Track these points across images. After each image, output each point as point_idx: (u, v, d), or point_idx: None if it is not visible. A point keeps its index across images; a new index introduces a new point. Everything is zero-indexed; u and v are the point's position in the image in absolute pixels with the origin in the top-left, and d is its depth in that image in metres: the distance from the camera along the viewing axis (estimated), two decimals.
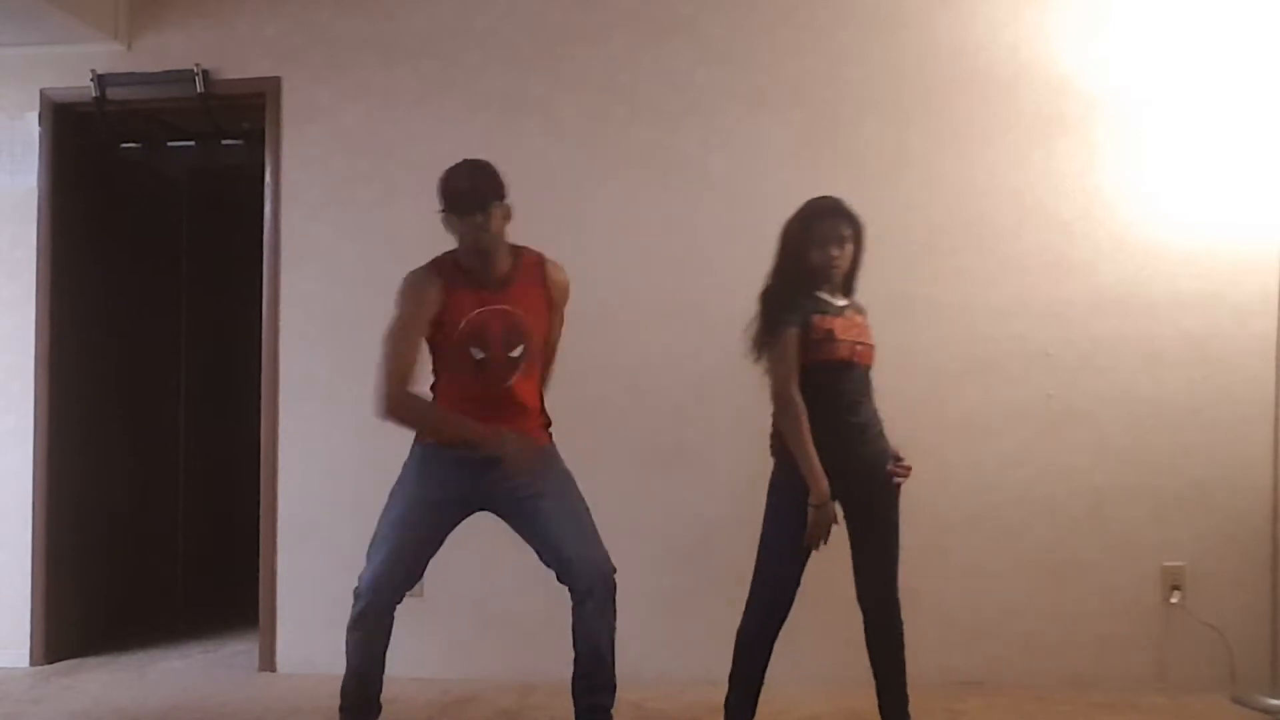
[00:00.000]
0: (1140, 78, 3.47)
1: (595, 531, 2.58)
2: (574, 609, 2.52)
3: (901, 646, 2.64)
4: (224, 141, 4.20)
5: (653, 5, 3.62)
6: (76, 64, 3.77)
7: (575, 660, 2.56)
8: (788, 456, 2.55)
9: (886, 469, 2.62)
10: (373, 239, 3.66)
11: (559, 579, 2.54)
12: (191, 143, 4.32)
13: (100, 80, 3.75)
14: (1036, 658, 3.43)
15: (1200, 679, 3.37)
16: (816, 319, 2.56)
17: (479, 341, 2.51)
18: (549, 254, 3.62)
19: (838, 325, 2.57)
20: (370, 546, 2.58)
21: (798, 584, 2.59)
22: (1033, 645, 3.43)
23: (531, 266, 2.61)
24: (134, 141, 4.30)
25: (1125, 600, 3.43)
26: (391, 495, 2.61)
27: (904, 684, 2.65)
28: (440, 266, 2.56)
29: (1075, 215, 3.47)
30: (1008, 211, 3.49)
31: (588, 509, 2.61)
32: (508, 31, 3.67)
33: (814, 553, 2.55)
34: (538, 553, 2.57)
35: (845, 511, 2.59)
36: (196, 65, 3.72)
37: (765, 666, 2.64)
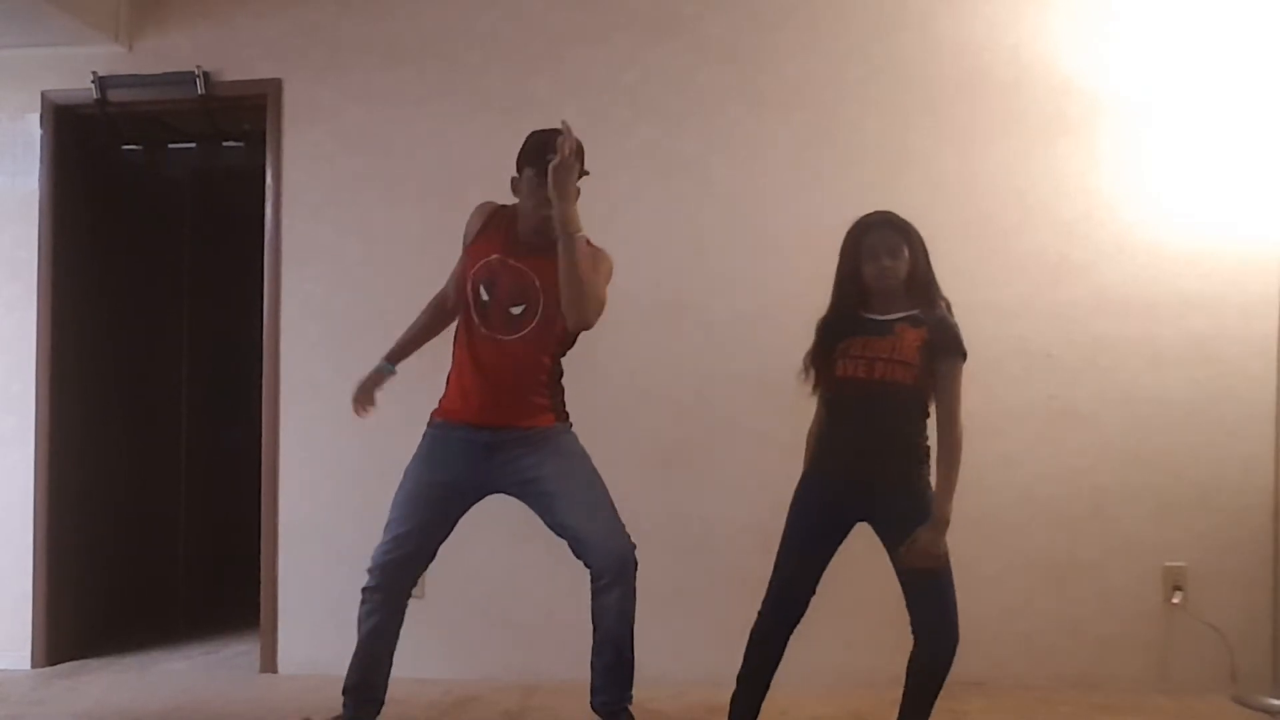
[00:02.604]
0: (1142, 79, 3.47)
1: (610, 511, 2.57)
2: (592, 592, 2.53)
3: (942, 676, 2.54)
4: (225, 143, 4.20)
5: (654, 6, 3.62)
6: (78, 66, 3.77)
7: (594, 646, 2.55)
8: (808, 458, 2.63)
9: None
10: (374, 240, 3.66)
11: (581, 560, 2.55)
12: (193, 144, 4.32)
13: (101, 82, 3.75)
14: (1038, 658, 3.43)
15: (1202, 679, 3.37)
16: (841, 343, 2.56)
17: (490, 287, 2.57)
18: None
19: (857, 343, 2.54)
20: (386, 523, 2.63)
21: (806, 586, 2.58)
22: (1034, 646, 3.44)
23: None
24: (135, 143, 4.30)
25: (1127, 601, 3.43)
26: (404, 474, 2.66)
27: (930, 707, 2.58)
28: (496, 209, 2.65)
29: (1077, 216, 3.48)
30: (1009, 212, 3.49)
31: (603, 488, 2.60)
32: (509, 32, 3.67)
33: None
34: (559, 535, 2.58)
35: (879, 536, 2.55)
36: (198, 67, 3.72)
37: (773, 667, 2.63)
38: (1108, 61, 3.48)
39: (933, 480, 2.49)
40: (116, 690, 3.51)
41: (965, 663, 3.39)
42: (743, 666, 2.65)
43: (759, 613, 2.63)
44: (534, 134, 2.54)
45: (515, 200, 2.61)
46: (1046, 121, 3.48)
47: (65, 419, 3.84)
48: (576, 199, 2.42)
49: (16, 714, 3.25)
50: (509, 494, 2.62)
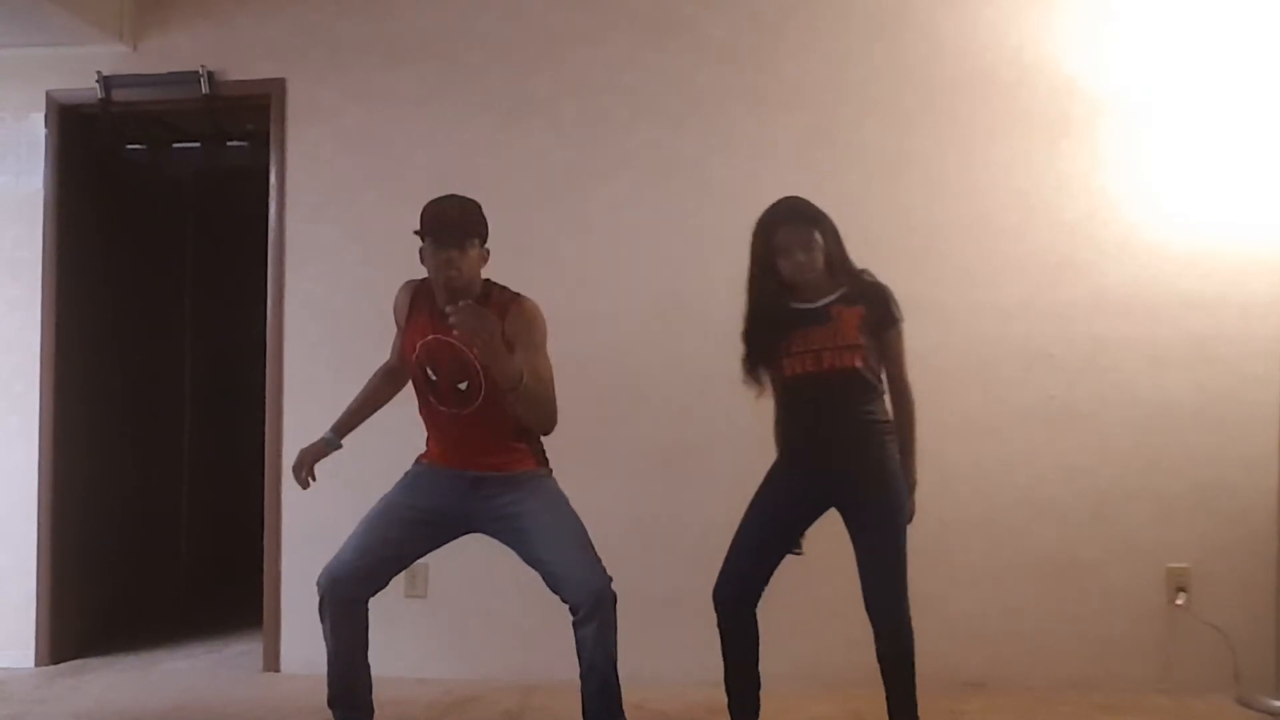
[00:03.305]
0: (1145, 79, 3.46)
1: (586, 547, 2.54)
2: (574, 627, 2.51)
3: (908, 656, 2.58)
4: (228, 143, 4.21)
5: (654, 6, 3.62)
6: (82, 66, 3.79)
7: (581, 674, 2.53)
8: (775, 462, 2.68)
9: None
10: (376, 240, 3.67)
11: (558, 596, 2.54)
12: (196, 144, 4.33)
13: (105, 82, 3.77)
14: (1040, 659, 3.42)
15: (1205, 681, 3.36)
16: (781, 341, 2.55)
17: (433, 366, 2.55)
18: (548, 256, 3.64)
19: (797, 338, 2.53)
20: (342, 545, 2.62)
21: (763, 573, 2.60)
22: (1036, 646, 3.43)
23: (498, 305, 2.49)
24: (139, 143, 4.31)
25: (1129, 601, 3.42)
26: (377, 503, 2.66)
27: (912, 692, 2.60)
28: (418, 284, 2.63)
29: (1079, 216, 3.47)
30: (1011, 212, 3.49)
31: (579, 525, 2.58)
32: (510, 32, 3.67)
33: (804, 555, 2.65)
34: (534, 569, 2.57)
35: (844, 522, 2.58)
36: (201, 67, 3.73)
37: (754, 655, 2.62)
38: (1110, 62, 3.47)
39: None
40: (119, 689, 3.52)
41: (967, 663, 3.42)
42: (725, 668, 2.64)
43: (716, 607, 2.60)
44: (428, 204, 2.51)
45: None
46: (1049, 122, 3.48)
47: (68, 418, 3.85)
48: (508, 350, 2.35)
49: (19, 712, 3.26)
50: (486, 532, 2.61)
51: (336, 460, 3.63)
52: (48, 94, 3.84)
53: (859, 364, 2.51)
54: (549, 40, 3.65)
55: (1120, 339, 3.44)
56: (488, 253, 2.55)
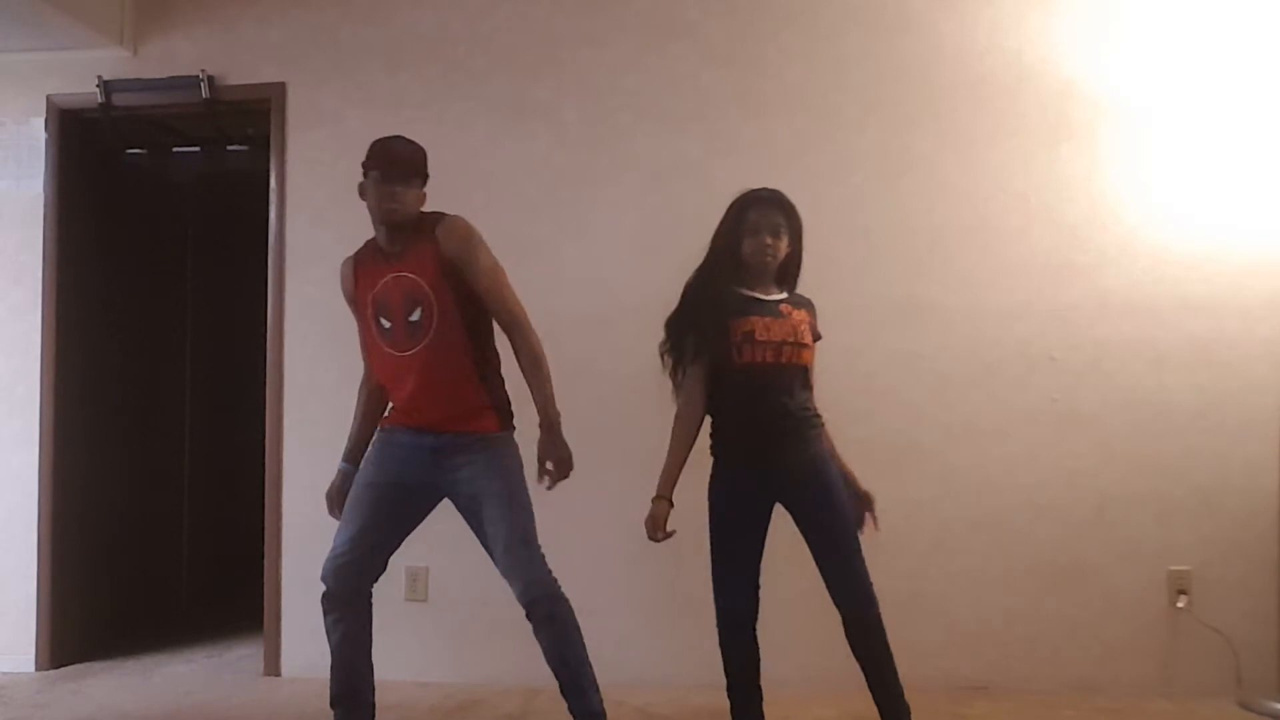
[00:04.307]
0: (1145, 82, 3.47)
1: (531, 543, 2.53)
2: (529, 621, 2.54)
3: (883, 645, 2.54)
4: (229, 147, 4.22)
5: (657, 10, 3.63)
6: (82, 70, 3.79)
7: (558, 684, 2.56)
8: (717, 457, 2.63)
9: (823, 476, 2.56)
10: None
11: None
12: (197, 148, 4.34)
13: (106, 86, 3.77)
14: (1042, 662, 3.42)
15: (1206, 683, 3.36)
16: (735, 323, 2.53)
17: (385, 310, 2.57)
18: (550, 258, 3.64)
19: (759, 326, 2.53)
20: (335, 533, 2.63)
21: (753, 579, 2.56)
22: (1038, 650, 3.43)
23: (428, 227, 2.56)
24: (139, 147, 4.32)
25: (1131, 605, 3.42)
26: (355, 481, 2.66)
27: (895, 682, 2.56)
28: (359, 250, 2.70)
29: (1080, 219, 3.47)
30: (1012, 215, 3.49)
31: (529, 513, 2.56)
32: (512, 36, 3.68)
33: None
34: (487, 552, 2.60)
35: (792, 516, 2.57)
36: (202, 71, 3.74)
37: (755, 668, 2.60)
38: (1110, 65, 3.47)
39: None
40: (120, 693, 3.52)
41: (969, 666, 3.42)
42: (727, 680, 2.61)
43: (718, 628, 2.59)
44: (376, 141, 2.60)
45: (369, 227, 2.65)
46: (1049, 125, 3.48)
47: (70, 422, 3.85)
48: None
49: (20, 717, 3.26)
50: (449, 498, 2.62)
51: (336, 463, 3.64)
52: (48, 98, 3.84)
53: (808, 362, 2.61)
54: (551, 44, 3.66)
55: (1122, 342, 3.44)
56: (424, 196, 2.62)
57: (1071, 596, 3.43)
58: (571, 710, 2.56)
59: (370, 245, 2.67)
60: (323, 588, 2.60)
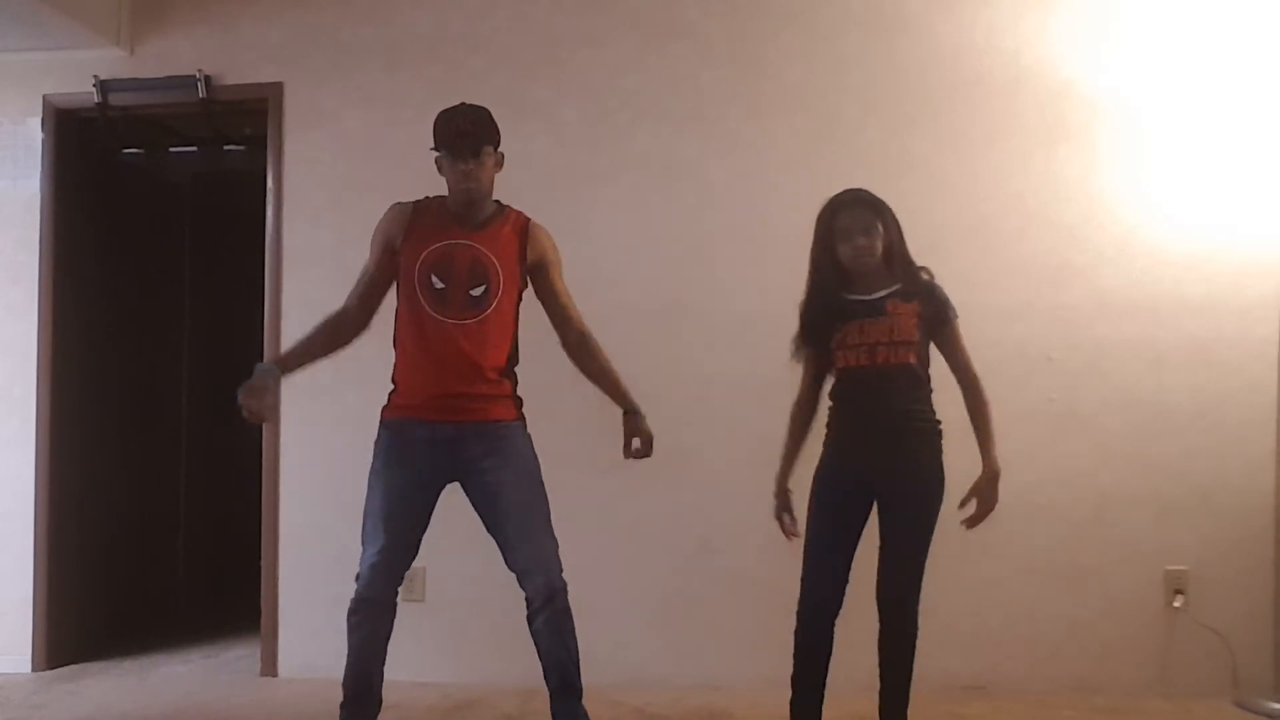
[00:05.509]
0: (1142, 82, 3.47)
1: (548, 538, 2.55)
2: (528, 618, 2.53)
3: (909, 653, 2.59)
4: (226, 147, 4.22)
5: (656, 10, 3.63)
6: (79, 69, 3.78)
7: (545, 677, 2.58)
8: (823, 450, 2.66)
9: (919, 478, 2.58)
10: None
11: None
12: (194, 148, 4.33)
13: (103, 86, 3.76)
14: (1039, 662, 3.42)
15: (1203, 683, 3.36)
16: (837, 334, 2.56)
17: (441, 271, 2.52)
18: None
19: (853, 330, 2.55)
20: (363, 533, 2.60)
21: (840, 575, 2.59)
22: (1036, 650, 3.43)
23: (515, 220, 2.62)
24: (136, 147, 4.31)
25: (1128, 604, 3.42)
26: (370, 481, 2.62)
27: (906, 690, 2.61)
28: (421, 202, 2.65)
29: (1077, 219, 3.48)
30: (1010, 216, 3.50)
31: (545, 507, 2.57)
32: (510, 36, 3.67)
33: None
34: (495, 541, 2.58)
35: (877, 511, 2.60)
36: (199, 71, 3.73)
37: (824, 666, 2.62)
38: (1108, 65, 3.48)
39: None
40: (117, 694, 3.51)
41: (967, 666, 3.42)
42: (794, 668, 2.63)
43: (797, 613, 2.62)
44: (440, 114, 2.57)
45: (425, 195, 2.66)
46: (1047, 125, 3.49)
47: (66, 422, 3.85)
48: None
49: (17, 717, 3.25)
50: (461, 484, 2.59)
51: (334, 463, 3.64)
52: (45, 98, 3.83)
53: (913, 360, 2.55)
54: (550, 44, 3.66)
55: (1120, 342, 3.45)
56: (502, 157, 2.60)
57: (1069, 596, 3.43)
58: (560, 714, 2.58)
59: (437, 202, 2.63)
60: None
